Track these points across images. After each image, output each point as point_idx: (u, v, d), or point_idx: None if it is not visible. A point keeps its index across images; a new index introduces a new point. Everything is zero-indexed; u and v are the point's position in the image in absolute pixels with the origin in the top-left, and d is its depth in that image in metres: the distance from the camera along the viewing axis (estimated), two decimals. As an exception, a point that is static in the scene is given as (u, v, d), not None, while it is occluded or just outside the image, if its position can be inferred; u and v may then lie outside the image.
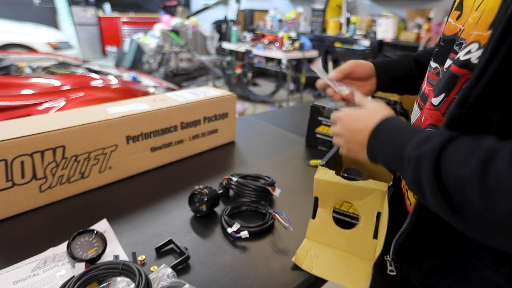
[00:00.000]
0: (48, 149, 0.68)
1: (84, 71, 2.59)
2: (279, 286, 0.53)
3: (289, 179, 0.86)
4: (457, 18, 0.47)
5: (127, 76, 2.69)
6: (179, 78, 4.32)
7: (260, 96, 4.41)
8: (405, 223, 0.49)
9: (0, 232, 0.63)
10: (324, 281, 0.55)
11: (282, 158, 0.99)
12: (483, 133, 0.36)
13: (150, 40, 4.82)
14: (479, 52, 0.38)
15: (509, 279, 0.42)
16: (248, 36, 4.43)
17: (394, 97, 0.98)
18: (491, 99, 0.36)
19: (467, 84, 0.38)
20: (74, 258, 0.52)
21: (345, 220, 0.59)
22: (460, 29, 0.45)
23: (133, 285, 0.46)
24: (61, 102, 1.95)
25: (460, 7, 0.47)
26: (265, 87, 5.16)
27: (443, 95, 0.44)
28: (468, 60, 0.39)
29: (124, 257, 0.57)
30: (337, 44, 4.10)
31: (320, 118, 1.02)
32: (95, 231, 0.57)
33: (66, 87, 2.04)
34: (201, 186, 0.70)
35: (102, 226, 0.64)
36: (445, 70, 0.46)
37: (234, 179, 0.75)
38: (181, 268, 0.55)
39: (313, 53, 3.96)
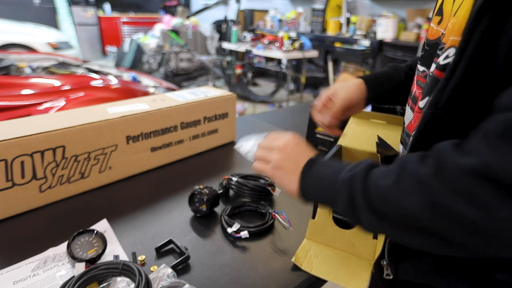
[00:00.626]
0: (48, 149, 0.68)
1: (84, 71, 2.59)
2: (279, 286, 0.53)
3: (289, 179, 0.86)
4: (439, 23, 0.49)
5: (127, 76, 2.69)
6: (179, 78, 4.32)
7: (260, 96, 4.41)
8: None
9: (0, 232, 0.63)
10: (324, 281, 0.55)
11: (282, 158, 0.99)
12: (459, 133, 0.38)
13: (150, 40, 4.82)
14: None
15: (503, 271, 0.42)
16: (248, 36, 4.43)
17: (394, 97, 0.98)
18: (462, 99, 0.39)
19: (439, 85, 0.41)
20: (74, 258, 0.52)
21: (345, 220, 0.59)
22: (442, 34, 0.47)
23: (133, 285, 0.46)
24: (61, 102, 1.95)
25: (440, 12, 0.49)
26: (265, 87, 5.15)
27: (427, 98, 0.46)
28: (448, 64, 0.41)
29: (124, 257, 0.57)
30: (337, 44, 4.10)
31: (320, 118, 1.02)
32: (95, 231, 0.57)
33: (66, 87, 2.03)
34: (201, 186, 0.70)
35: (102, 226, 0.64)
36: (430, 74, 0.48)
37: (234, 179, 0.75)
38: (181, 268, 0.55)
39: (313, 53, 3.96)
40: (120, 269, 0.48)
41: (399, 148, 0.62)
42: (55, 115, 0.82)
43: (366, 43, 3.76)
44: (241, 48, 4.24)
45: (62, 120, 0.73)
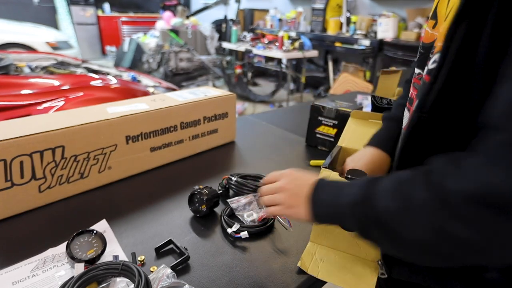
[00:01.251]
0: (47, 149, 0.68)
1: (84, 70, 2.58)
2: (279, 286, 0.53)
3: (289, 179, 0.86)
4: (433, 27, 0.49)
5: (127, 75, 2.69)
6: (179, 78, 4.31)
7: (260, 96, 4.41)
8: None
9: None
10: (324, 282, 0.55)
11: (282, 158, 0.99)
12: (444, 135, 0.39)
13: (150, 39, 4.82)
14: None
15: (506, 277, 0.43)
16: (248, 35, 4.43)
17: (394, 97, 0.98)
18: (445, 102, 0.40)
19: (424, 89, 0.42)
20: (73, 258, 0.52)
21: None
22: (436, 37, 0.47)
23: (132, 285, 0.46)
24: (60, 102, 1.94)
25: (434, 16, 0.49)
26: (265, 87, 5.15)
27: (417, 100, 0.47)
28: (433, 68, 0.42)
29: (123, 257, 0.57)
30: (337, 44, 4.10)
31: (320, 118, 1.02)
32: (95, 231, 0.57)
33: (66, 87, 2.03)
34: (201, 186, 0.70)
35: (102, 226, 0.64)
36: (423, 77, 0.49)
37: (234, 179, 0.75)
38: (181, 269, 0.55)
39: (313, 53, 3.96)
40: (119, 269, 0.48)
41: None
42: (54, 115, 0.82)
43: (366, 42, 3.76)
44: (241, 47, 4.24)
45: (61, 120, 0.73)
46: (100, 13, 6.90)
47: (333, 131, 1.00)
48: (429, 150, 0.41)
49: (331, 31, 4.31)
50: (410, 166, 0.40)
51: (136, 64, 4.55)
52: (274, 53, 3.84)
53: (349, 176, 0.56)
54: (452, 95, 0.39)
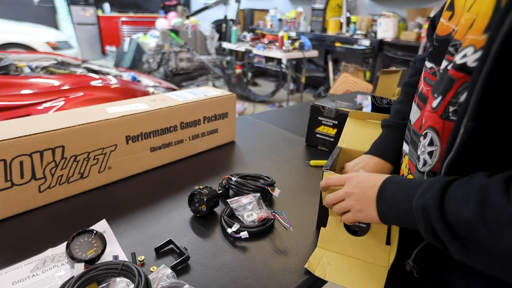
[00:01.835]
0: (47, 149, 0.68)
1: (84, 70, 2.58)
2: (279, 287, 0.53)
3: (289, 179, 0.86)
4: (449, 18, 0.47)
5: (127, 75, 2.69)
6: (179, 78, 4.31)
7: (260, 96, 4.41)
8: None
9: (-1, 232, 0.63)
10: (324, 282, 0.55)
11: (282, 158, 0.99)
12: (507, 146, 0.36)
13: (150, 39, 4.82)
14: (475, 56, 0.39)
15: None
16: (248, 35, 4.43)
17: (394, 97, 0.98)
18: (492, 107, 0.36)
19: (463, 92, 0.38)
20: (73, 258, 0.52)
21: (356, 225, 0.58)
22: (454, 30, 0.45)
23: (132, 285, 0.46)
24: (60, 102, 1.94)
25: (451, 7, 0.47)
26: (265, 87, 5.15)
27: (440, 97, 0.45)
28: (464, 63, 0.40)
29: (123, 257, 0.57)
30: (337, 44, 4.10)
31: (320, 118, 1.02)
32: (95, 231, 0.57)
33: (66, 87, 2.03)
34: (201, 186, 0.70)
35: (102, 226, 0.64)
36: (441, 71, 0.47)
37: (234, 179, 0.75)
38: (181, 269, 0.55)
39: (313, 53, 3.96)
40: (119, 269, 0.48)
41: (404, 147, 0.61)
42: (54, 115, 0.82)
43: (366, 42, 3.76)
44: (241, 47, 4.24)
45: (61, 120, 0.73)
46: (100, 13, 6.90)
47: (333, 131, 1.00)
48: (482, 159, 0.39)
49: (331, 31, 4.31)
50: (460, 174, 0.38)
51: (136, 64, 4.55)
52: (274, 53, 3.84)
53: None
54: (501, 95, 0.35)
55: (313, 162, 0.95)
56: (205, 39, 5.22)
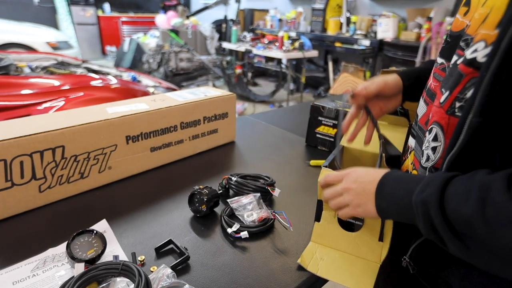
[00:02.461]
0: (47, 149, 0.68)
1: (84, 70, 2.59)
2: (279, 286, 0.53)
3: (289, 179, 0.86)
4: (465, 14, 0.47)
5: (127, 76, 2.69)
6: (179, 78, 4.32)
7: (260, 96, 4.41)
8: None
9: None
10: (324, 282, 0.55)
11: (282, 158, 0.99)
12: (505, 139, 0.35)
13: (150, 39, 4.82)
14: (485, 51, 0.38)
15: None
16: (248, 35, 4.43)
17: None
18: (499, 103, 0.36)
19: (471, 87, 0.38)
20: (73, 258, 0.52)
21: (350, 222, 0.59)
22: (467, 25, 0.45)
23: (132, 285, 0.46)
24: (61, 102, 1.95)
25: (468, 3, 0.47)
26: (265, 87, 5.15)
27: (447, 92, 0.44)
28: (474, 59, 0.39)
29: (123, 257, 0.57)
30: (337, 44, 4.10)
31: (320, 118, 1.02)
32: (95, 231, 0.57)
33: (66, 87, 2.03)
34: (201, 186, 0.70)
35: (102, 226, 0.64)
36: (451, 66, 0.46)
37: (234, 178, 0.75)
38: (181, 269, 0.55)
39: (313, 53, 3.96)
40: (119, 269, 0.48)
41: (410, 141, 0.61)
42: (55, 115, 0.82)
43: (366, 42, 3.76)
44: (241, 48, 4.24)
45: (62, 120, 0.73)
46: (100, 13, 6.90)
47: (333, 131, 1.00)
48: (484, 156, 0.38)
49: (331, 31, 4.32)
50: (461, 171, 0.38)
51: (136, 64, 4.56)
52: (274, 53, 3.84)
53: None
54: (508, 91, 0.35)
55: (313, 162, 0.95)
56: (205, 39, 5.23)
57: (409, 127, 0.77)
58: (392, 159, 0.69)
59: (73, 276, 0.47)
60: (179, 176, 0.87)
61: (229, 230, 0.63)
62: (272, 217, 0.67)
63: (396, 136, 0.77)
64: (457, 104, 0.43)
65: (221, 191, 0.75)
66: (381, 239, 0.55)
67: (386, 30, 3.71)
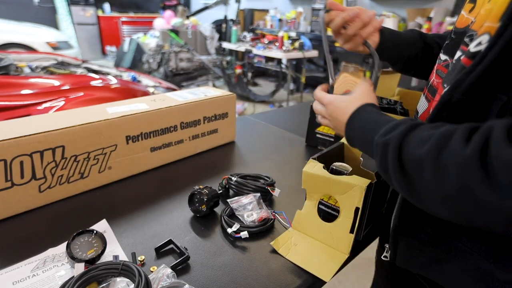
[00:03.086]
0: (47, 149, 0.68)
1: (84, 70, 2.59)
2: (279, 286, 0.53)
3: (289, 179, 0.86)
4: (470, 11, 0.47)
5: (127, 76, 2.69)
6: (179, 78, 4.32)
7: (260, 96, 4.41)
8: (395, 207, 0.51)
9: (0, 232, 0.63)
10: (324, 282, 0.55)
11: (282, 158, 0.99)
12: (476, 121, 0.36)
13: (150, 39, 4.82)
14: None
15: (507, 271, 0.42)
16: (248, 35, 4.43)
17: (394, 97, 0.98)
18: (485, 85, 0.37)
19: (464, 70, 0.39)
20: (73, 258, 0.52)
21: (331, 213, 0.61)
22: (472, 21, 0.45)
23: (132, 285, 0.46)
24: (61, 102, 1.95)
25: (473, 0, 0.47)
26: (265, 87, 5.15)
27: (449, 87, 0.44)
28: (479, 52, 0.39)
29: (123, 257, 0.57)
30: (337, 44, 4.10)
31: (320, 118, 1.02)
32: (95, 231, 0.57)
33: (66, 87, 2.03)
34: (201, 186, 0.70)
35: (102, 226, 0.64)
36: (454, 62, 0.46)
37: (234, 178, 0.75)
38: (181, 268, 0.55)
39: (313, 53, 3.95)
40: (119, 269, 0.48)
41: None
42: (55, 115, 0.82)
43: (366, 42, 3.76)
44: (241, 48, 4.24)
45: (62, 120, 0.73)
46: (100, 13, 6.90)
47: (333, 131, 1.00)
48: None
49: (331, 31, 4.31)
50: None
51: (136, 64, 4.56)
52: (274, 53, 3.84)
53: (334, 168, 0.60)
54: (495, 78, 0.36)
55: (313, 162, 0.95)
56: (205, 39, 5.23)
57: None
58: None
59: (73, 276, 0.47)
60: (179, 176, 0.87)
61: (229, 230, 0.63)
62: (272, 217, 0.67)
63: None
64: None
65: (221, 191, 0.75)
66: (352, 231, 0.57)
67: (386, 30, 3.71)
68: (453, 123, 0.37)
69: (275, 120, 1.31)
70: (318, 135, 1.04)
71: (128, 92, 2.22)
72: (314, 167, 0.60)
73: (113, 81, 2.27)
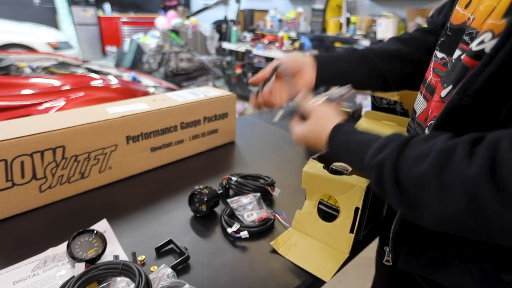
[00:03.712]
0: (48, 149, 0.68)
1: (84, 71, 2.59)
2: (279, 286, 0.53)
3: (289, 179, 0.86)
4: (466, 7, 0.46)
5: (127, 76, 2.69)
6: (179, 78, 4.32)
7: (260, 96, 4.40)
8: (398, 212, 0.51)
9: (0, 232, 0.63)
10: (323, 282, 0.55)
11: (282, 158, 0.99)
12: (486, 123, 0.36)
13: (150, 40, 4.82)
14: (493, 42, 0.36)
15: (511, 272, 0.41)
16: (248, 36, 4.44)
17: (394, 97, 0.98)
18: (496, 87, 0.35)
19: (472, 71, 0.37)
20: (74, 258, 0.52)
21: (331, 213, 0.61)
22: (469, 18, 0.44)
23: (133, 285, 0.46)
24: (61, 102, 1.95)
25: None
26: (265, 87, 5.14)
27: (450, 86, 0.43)
28: (482, 50, 0.38)
29: (124, 257, 0.57)
30: (337, 44, 4.10)
31: (320, 118, 1.02)
32: (95, 231, 0.57)
33: (66, 87, 2.04)
34: (201, 186, 0.70)
35: (102, 226, 0.64)
36: (454, 61, 0.45)
37: (234, 178, 0.75)
38: (181, 268, 0.55)
39: (313, 53, 3.95)
40: (120, 269, 0.48)
41: None
42: (55, 115, 0.82)
43: (366, 43, 3.76)
44: (241, 48, 4.24)
45: (62, 120, 0.73)
46: (100, 13, 6.91)
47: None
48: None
49: (331, 31, 4.31)
50: None
51: (136, 64, 4.56)
52: (274, 53, 3.84)
53: (334, 168, 0.59)
54: (506, 79, 0.34)
55: (313, 162, 0.95)
56: (205, 40, 5.23)
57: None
58: None
59: (74, 276, 0.47)
60: (179, 176, 0.87)
61: (229, 230, 0.63)
62: (272, 217, 0.67)
63: None
64: None
65: (221, 191, 0.75)
66: (352, 231, 0.57)
67: (386, 30, 3.71)
68: (461, 127, 0.36)
69: (275, 120, 1.31)
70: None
71: (128, 92, 2.22)
72: (314, 167, 0.60)
73: (114, 81, 2.27)
